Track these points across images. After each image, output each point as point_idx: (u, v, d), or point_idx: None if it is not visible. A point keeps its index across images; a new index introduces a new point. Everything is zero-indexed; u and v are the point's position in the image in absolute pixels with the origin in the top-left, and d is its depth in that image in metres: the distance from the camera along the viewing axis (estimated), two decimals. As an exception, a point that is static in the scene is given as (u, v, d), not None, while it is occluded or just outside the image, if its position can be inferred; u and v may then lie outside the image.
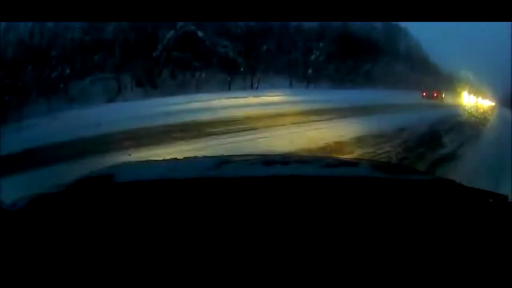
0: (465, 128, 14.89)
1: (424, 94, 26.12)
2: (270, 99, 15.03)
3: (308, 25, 20.98)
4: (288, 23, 19.52)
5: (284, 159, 2.13)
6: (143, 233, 1.18)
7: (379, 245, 1.14)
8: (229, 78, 17.02)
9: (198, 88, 15.45)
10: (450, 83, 31.79)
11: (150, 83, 14.48)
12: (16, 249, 1.15)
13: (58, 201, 1.39)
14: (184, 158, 1.99)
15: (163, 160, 2.14)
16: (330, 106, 14.71)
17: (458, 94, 31.22)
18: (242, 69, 17.69)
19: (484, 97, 37.54)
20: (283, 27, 19.82)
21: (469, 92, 35.98)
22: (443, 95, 27.32)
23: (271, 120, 11.11)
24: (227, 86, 16.83)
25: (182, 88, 14.82)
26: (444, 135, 11.74)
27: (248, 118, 11.03)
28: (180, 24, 15.12)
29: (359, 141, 9.20)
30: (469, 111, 24.47)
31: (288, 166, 1.89)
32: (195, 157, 2.09)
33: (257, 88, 18.02)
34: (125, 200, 1.38)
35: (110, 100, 12.74)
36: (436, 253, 1.10)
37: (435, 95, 26.47)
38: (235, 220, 1.24)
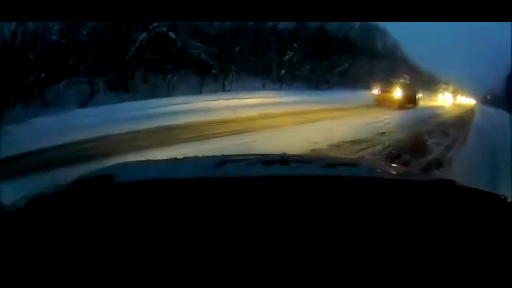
0: (449, 126, 14.92)
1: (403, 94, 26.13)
2: (242, 102, 15.14)
3: (283, 25, 21.44)
4: (263, 23, 19.93)
5: (284, 159, 2.12)
6: (143, 233, 1.20)
7: (379, 245, 1.15)
8: (201, 81, 17.27)
9: (170, 91, 15.70)
10: (428, 82, 32.12)
11: (122, 87, 14.60)
12: (16, 249, 1.16)
13: (58, 201, 1.41)
14: (184, 158, 2.09)
15: (163, 160, 2.21)
16: (304, 108, 14.83)
17: (437, 92, 31.58)
18: (214, 71, 17.98)
19: (464, 95, 37.97)
20: (258, 27, 20.17)
21: (449, 91, 36.23)
22: (419, 95, 26.62)
23: (242, 124, 10.86)
24: (199, 89, 17.06)
25: (154, 92, 15.04)
26: (428, 137, 11.51)
27: (219, 123, 10.91)
28: (153, 24, 15.42)
29: (337, 148, 8.51)
30: (449, 109, 24.47)
31: (288, 166, 1.92)
32: (195, 157, 2.16)
33: (229, 90, 18.35)
34: (125, 200, 1.40)
35: (83, 105, 13.05)
36: (436, 254, 1.12)
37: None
38: (235, 221, 1.26)
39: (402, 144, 9.90)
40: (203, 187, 1.48)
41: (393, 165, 2.01)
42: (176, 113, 11.67)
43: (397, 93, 19.88)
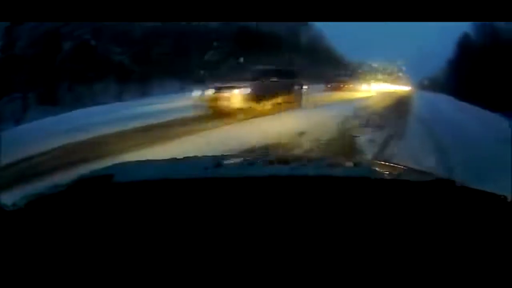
0: (383, 118, 13.60)
1: (328, 86, 25.92)
2: (162, 107, 14.58)
3: (205, 25, 21.35)
4: (185, 24, 19.72)
5: (284, 159, 2.17)
6: (142, 233, 1.22)
7: (379, 245, 1.17)
8: (121, 87, 17.07)
9: (94, 100, 15.28)
10: (359, 72, 32.92)
11: (50, 100, 14.21)
12: (16, 249, 1.18)
13: (58, 201, 1.43)
14: (184, 158, 2.08)
15: (163, 160, 2.21)
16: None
17: (367, 82, 31.66)
18: (135, 76, 17.78)
19: (398, 82, 39.22)
20: (180, 28, 19.98)
21: (381, 79, 37.23)
22: (352, 85, 27.15)
23: (161, 132, 9.94)
24: (121, 96, 16.80)
25: (81, 102, 14.67)
26: (358, 134, 10.21)
27: (136, 132, 10.05)
28: (77, 32, 15.07)
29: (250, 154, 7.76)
30: (382, 98, 23.03)
31: (288, 166, 1.95)
32: (195, 157, 2.17)
33: (150, 94, 18.10)
34: (124, 200, 1.42)
35: (17, 122, 12.72)
36: (436, 254, 1.13)
37: (342, 86, 26.20)
38: (234, 221, 1.28)
39: (326, 145, 8.85)
40: (203, 187, 1.49)
41: (393, 165, 2.01)
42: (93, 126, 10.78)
43: (240, 92, 12.62)
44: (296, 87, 16.00)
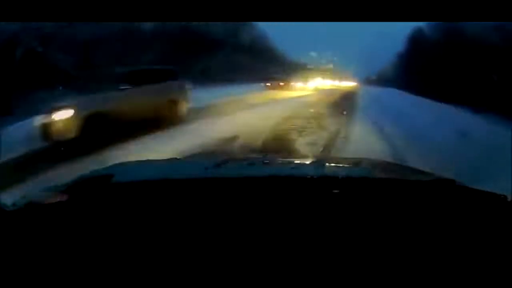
0: (325, 117, 13.04)
1: (268, 84, 25.71)
2: None
3: (144, 26, 21.21)
4: (128, 26, 19.49)
5: (284, 159, 2.21)
6: (142, 233, 1.22)
7: (379, 245, 1.17)
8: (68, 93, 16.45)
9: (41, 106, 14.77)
10: (300, 70, 32.96)
11: (4, 109, 13.68)
12: (15, 249, 1.18)
13: (58, 201, 1.43)
14: (184, 158, 2.06)
15: (163, 160, 2.23)
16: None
17: (310, 79, 31.06)
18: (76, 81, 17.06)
19: (344, 78, 39.36)
20: (121, 31, 19.66)
21: (325, 76, 37.27)
22: (293, 83, 26.91)
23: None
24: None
25: (32, 110, 14.10)
26: (298, 137, 9.61)
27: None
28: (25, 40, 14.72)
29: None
30: (325, 96, 22.48)
31: (288, 166, 1.95)
32: (195, 157, 2.18)
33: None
34: (124, 200, 1.41)
35: None
36: (436, 253, 1.13)
37: (282, 84, 25.94)
38: (234, 220, 1.28)
39: (260, 149, 8.02)
40: (202, 187, 1.50)
41: (394, 164, 2.05)
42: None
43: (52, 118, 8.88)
44: (171, 93, 11.78)
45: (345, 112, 14.49)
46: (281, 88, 25.29)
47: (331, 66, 39.31)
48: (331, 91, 27.34)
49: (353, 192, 1.46)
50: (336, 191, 1.44)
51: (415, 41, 30.54)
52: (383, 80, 37.80)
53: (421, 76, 25.69)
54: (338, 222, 1.27)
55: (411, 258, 1.12)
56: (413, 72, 28.38)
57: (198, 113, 12.44)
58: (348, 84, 37.59)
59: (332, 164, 2.04)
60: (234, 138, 8.91)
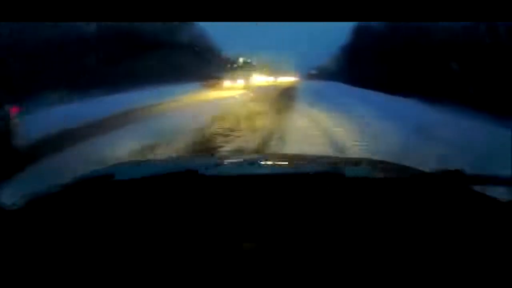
0: (255, 119, 12.27)
1: (205, 83, 25.77)
2: None
3: (88, 27, 20.75)
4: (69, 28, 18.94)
5: (284, 159, 2.19)
6: (143, 233, 1.22)
7: (379, 245, 1.16)
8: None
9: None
10: (237, 68, 32.88)
11: None
12: (16, 249, 1.18)
13: (58, 200, 1.43)
14: (184, 157, 1.98)
15: (163, 159, 2.20)
16: (88, 121, 11.99)
17: (250, 77, 31.72)
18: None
19: (282, 74, 39.38)
20: (61, 33, 19.01)
21: (262, 72, 37.19)
22: (229, 81, 27.22)
23: None
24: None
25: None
26: (222, 144, 8.39)
27: None
28: None
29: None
30: (261, 94, 22.30)
31: (288, 166, 1.95)
32: (195, 156, 2.07)
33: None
34: (125, 200, 1.42)
35: None
36: (436, 253, 1.13)
37: (218, 82, 26.08)
38: (235, 219, 1.28)
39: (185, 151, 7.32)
40: (202, 185, 1.50)
41: (394, 164, 2.07)
42: None
43: None
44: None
45: (281, 108, 14.45)
46: (218, 87, 25.34)
47: (271, 62, 39.59)
48: (270, 88, 27.69)
49: (353, 192, 1.46)
50: (336, 191, 1.46)
51: (357, 34, 31.07)
52: (324, 74, 38.29)
53: (362, 69, 26.27)
54: (338, 222, 1.27)
55: (411, 258, 1.11)
56: (355, 66, 28.97)
57: (125, 117, 12.32)
58: (289, 79, 37.93)
59: (332, 164, 2.00)
60: (153, 147, 7.90)
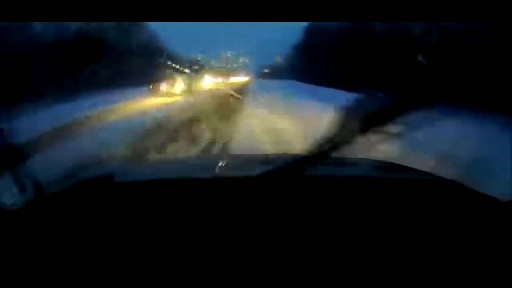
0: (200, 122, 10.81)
1: (151, 87, 23.97)
2: None
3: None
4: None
5: (283, 158, 2.03)
6: (143, 234, 1.22)
7: (379, 245, 1.17)
8: None
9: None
10: (187, 71, 32.89)
11: None
12: (16, 249, 1.19)
13: (58, 201, 1.44)
14: (184, 158, 2.03)
15: (163, 160, 2.20)
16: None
17: (198, 80, 31.05)
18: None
19: (233, 74, 39.81)
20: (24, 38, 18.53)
21: (214, 75, 37.35)
22: (176, 84, 25.52)
23: None
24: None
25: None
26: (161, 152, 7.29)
27: None
28: None
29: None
30: (208, 95, 21.67)
31: (287, 166, 1.88)
32: (195, 157, 2.12)
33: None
34: (125, 201, 1.43)
35: None
36: (435, 254, 1.13)
37: (165, 87, 24.53)
38: (235, 221, 1.28)
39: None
40: (203, 187, 1.50)
41: (394, 164, 2.04)
42: None
43: None
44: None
45: (229, 112, 13.42)
46: (164, 92, 23.69)
47: (222, 64, 39.82)
48: (220, 90, 27.19)
49: (353, 192, 1.45)
50: (335, 191, 1.45)
51: (309, 32, 31.62)
52: (277, 73, 38.91)
53: (314, 66, 26.72)
54: (338, 222, 1.27)
55: (411, 258, 1.12)
56: (307, 63, 29.47)
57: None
58: (240, 79, 38.18)
59: (332, 164, 1.96)
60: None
